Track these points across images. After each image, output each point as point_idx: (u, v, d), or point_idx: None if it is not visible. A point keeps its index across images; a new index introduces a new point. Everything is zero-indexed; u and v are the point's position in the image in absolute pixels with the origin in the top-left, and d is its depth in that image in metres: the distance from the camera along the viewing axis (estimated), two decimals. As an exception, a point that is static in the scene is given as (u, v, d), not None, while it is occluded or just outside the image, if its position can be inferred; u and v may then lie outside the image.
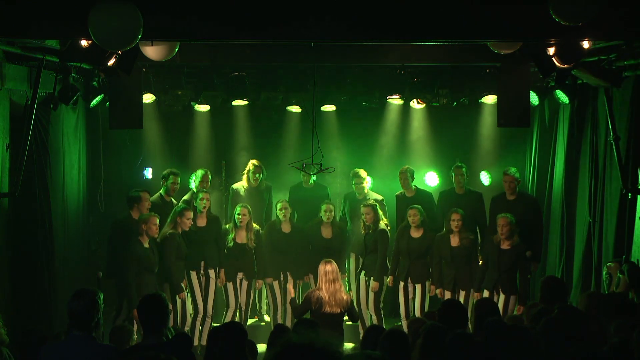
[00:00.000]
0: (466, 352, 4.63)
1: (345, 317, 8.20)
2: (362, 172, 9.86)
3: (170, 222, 8.80)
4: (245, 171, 9.94)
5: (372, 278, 9.30)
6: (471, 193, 9.72)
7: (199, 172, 9.75)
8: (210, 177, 9.90)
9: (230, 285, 9.27)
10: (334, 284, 8.02)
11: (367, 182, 9.98)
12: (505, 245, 8.56)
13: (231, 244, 9.18)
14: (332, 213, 9.39)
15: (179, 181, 9.55)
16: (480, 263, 9.00)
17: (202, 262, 9.20)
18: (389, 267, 9.36)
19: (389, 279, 9.31)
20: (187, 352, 4.88)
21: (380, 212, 9.34)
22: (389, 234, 9.32)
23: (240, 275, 9.29)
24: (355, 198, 9.86)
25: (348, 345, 8.64)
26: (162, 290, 8.51)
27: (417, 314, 8.92)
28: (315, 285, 8.41)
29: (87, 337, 4.71)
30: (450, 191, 9.81)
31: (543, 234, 9.65)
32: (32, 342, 5.52)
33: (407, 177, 9.71)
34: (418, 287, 9.16)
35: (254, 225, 9.28)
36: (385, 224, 9.35)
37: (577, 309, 5.96)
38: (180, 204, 9.20)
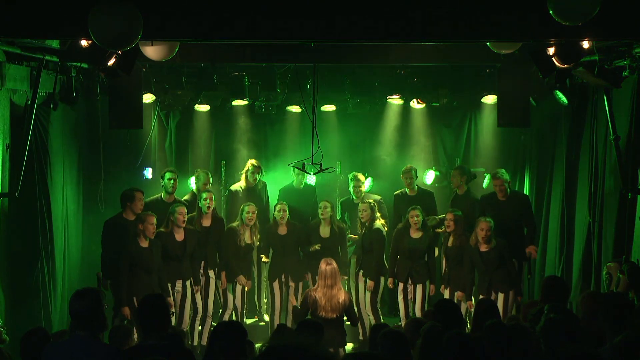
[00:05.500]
0: (463, 351, 4.63)
1: (345, 318, 8.20)
2: (361, 176, 9.86)
3: (164, 221, 8.76)
4: (244, 171, 9.92)
5: (368, 277, 9.28)
6: (469, 195, 9.75)
7: (201, 175, 9.74)
8: (210, 177, 9.88)
9: (231, 287, 9.25)
10: (331, 289, 7.99)
11: (365, 185, 9.98)
12: (483, 248, 8.58)
13: (243, 244, 9.17)
14: (329, 210, 9.33)
15: (176, 178, 9.46)
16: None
17: (202, 262, 9.18)
18: (387, 266, 9.33)
19: (389, 281, 9.28)
20: (182, 349, 4.89)
21: (378, 214, 9.32)
22: (384, 233, 9.29)
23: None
24: (352, 202, 9.85)
25: (348, 346, 8.64)
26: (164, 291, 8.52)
27: (418, 314, 8.91)
28: (315, 284, 8.40)
29: (91, 337, 4.65)
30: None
31: (536, 229, 9.65)
32: (35, 341, 5.51)
33: (411, 176, 9.71)
34: (419, 287, 9.14)
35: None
36: (383, 224, 9.31)
37: (568, 309, 5.94)
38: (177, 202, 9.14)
